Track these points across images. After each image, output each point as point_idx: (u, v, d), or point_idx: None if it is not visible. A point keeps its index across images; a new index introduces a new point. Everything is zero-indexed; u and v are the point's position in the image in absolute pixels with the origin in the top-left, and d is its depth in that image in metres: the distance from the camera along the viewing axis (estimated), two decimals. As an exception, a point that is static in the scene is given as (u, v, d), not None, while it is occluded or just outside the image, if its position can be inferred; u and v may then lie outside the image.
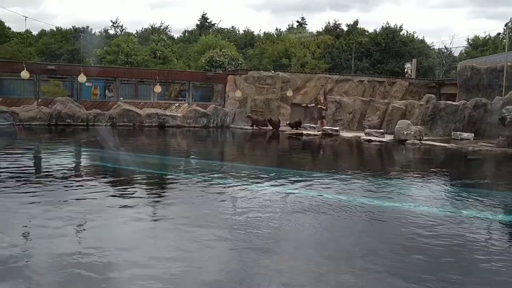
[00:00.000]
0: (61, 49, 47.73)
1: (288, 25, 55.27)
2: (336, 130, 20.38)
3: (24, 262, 4.30)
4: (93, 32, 50.74)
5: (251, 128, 23.01)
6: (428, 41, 52.74)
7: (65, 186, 7.86)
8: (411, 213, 6.68)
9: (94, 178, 8.87)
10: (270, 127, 22.69)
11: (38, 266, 4.27)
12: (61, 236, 5.10)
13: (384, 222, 6.30)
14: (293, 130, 22.04)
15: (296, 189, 8.21)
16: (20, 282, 3.88)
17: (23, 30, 42.66)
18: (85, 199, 6.96)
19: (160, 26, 51.12)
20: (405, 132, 17.80)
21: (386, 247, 5.14)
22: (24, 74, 20.32)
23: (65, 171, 9.62)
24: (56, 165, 10.30)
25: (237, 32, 54.45)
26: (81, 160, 12.54)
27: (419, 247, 5.15)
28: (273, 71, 26.09)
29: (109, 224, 5.74)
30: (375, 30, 40.71)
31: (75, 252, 4.56)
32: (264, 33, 52.41)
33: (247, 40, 49.83)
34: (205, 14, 54.86)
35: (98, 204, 6.64)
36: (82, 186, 7.94)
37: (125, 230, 5.55)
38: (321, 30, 47.90)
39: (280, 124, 23.00)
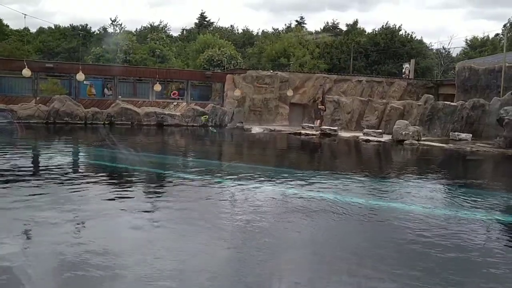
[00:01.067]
0: (59, 47, 47.62)
1: (285, 24, 55.36)
2: (335, 130, 20.41)
3: (23, 262, 4.31)
4: (92, 30, 50.57)
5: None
6: (427, 41, 52.91)
7: (66, 185, 7.86)
8: (408, 213, 6.69)
9: (95, 177, 8.87)
10: None
11: (38, 267, 4.27)
12: (62, 235, 5.11)
13: (380, 222, 6.32)
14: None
15: (293, 188, 8.22)
16: (19, 283, 3.89)
17: (21, 28, 42.59)
18: (85, 199, 6.96)
19: (159, 24, 51.07)
20: (403, 132, 17.84)
21: (382, 247, 5.16)
22: (26, 72, 20.31)
23: (65, 169, 9.62)
24: (57, 163, 10.30)
25: (236, 31, 54.43)
26: (83, 158, 12.52)
27: (415, 246, 5.16)
28: (271, 71, 26.10)
29: (107, 225, 5.74)
30: (374, 30, 40.76)
31: (74, 254, 4.57)
32: (263, 31, 52.45)
33: (245, 39, 49.81)
34: (203, 13, 54.86)
35: (97, 203, 6.65)
36: (82, 185, 7.94)
37: (124, 231, 5.56)
38: (319, 30, 47.98)
39: None
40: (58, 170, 9.39)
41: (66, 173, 9.13)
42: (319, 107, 23.84)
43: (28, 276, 4.00)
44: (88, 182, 8.16)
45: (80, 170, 10.24)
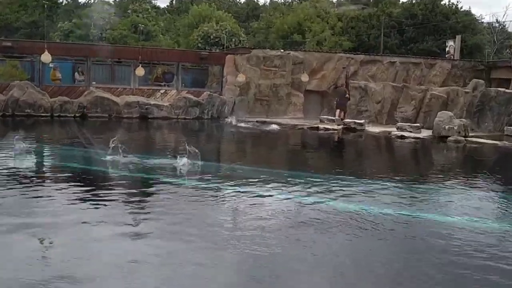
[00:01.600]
0: (18, 21, 47.85)
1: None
2: (361, 124, 20.42)
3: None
4: (59, 0, 50.74)
5: None
6: (476, 13, 52.63)
7: (28, 193, 7.94)
8: (450, 227, 6.72)
9: (65, 183, 8.94)
10: None
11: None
12: (24, 256, 5.18)
13: (414, 237, 6.35)
14: None
15: (309, 197, 8.26)
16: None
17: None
18: (53, 209, 7.04)
19: (143, -7, 51.21)
20: (447, 127, 17.83)
21: (417, 269, 5.20)
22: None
23: (28, 174, 9.72)
24: (17, 166, 10.40)
25: (238, 0, 54.48)
26: (50, 160, 12.62)
27: (458, 268, 5.19)
28: (282, 50, 26.11)
29: (80, 243, 5.81)
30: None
31: (38, 280, 4.64)
32: (271, 1, 52.41)
33: (249, 11, 49.87)
34: (198, -21, 54.96)
35: (68, 215, 6.72)
36: (49, 193, 8.02)
37: (100, 249, 5.62)
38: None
39: None
40: (19, 174, 9.48)
41: (29, 178, 9.22)
42: (346, 96, 23.79)
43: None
44: (56, 189, 8.24)
45: (46, 175, 10.31)
